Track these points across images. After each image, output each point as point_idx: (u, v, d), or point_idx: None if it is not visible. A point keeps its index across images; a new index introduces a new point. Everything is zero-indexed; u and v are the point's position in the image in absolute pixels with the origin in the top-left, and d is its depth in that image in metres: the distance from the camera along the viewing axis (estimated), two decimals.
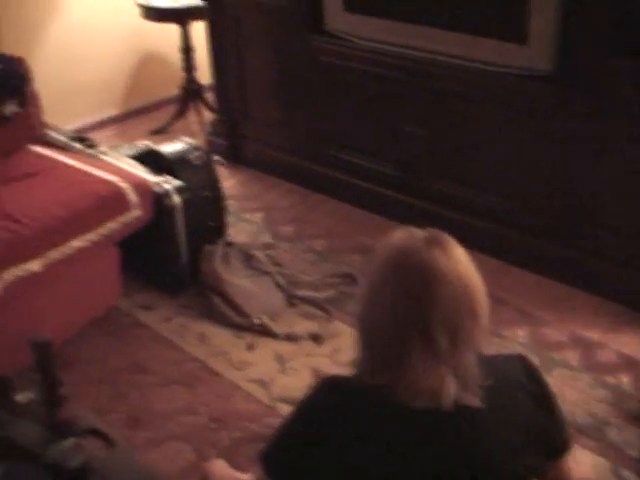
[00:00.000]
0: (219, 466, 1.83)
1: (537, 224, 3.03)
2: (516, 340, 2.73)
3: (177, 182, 2.93)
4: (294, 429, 1.39)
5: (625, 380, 2.56)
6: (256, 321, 2.82)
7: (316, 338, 2.78)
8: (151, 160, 3.08)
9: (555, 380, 2.52)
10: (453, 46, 3.00)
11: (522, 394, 1.34)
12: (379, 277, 1.31)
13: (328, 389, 1.38)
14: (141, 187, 2.80)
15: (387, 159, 3.42)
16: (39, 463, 1.62)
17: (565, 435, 1.43)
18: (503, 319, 2.84)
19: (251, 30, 3.71)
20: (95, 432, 1.77)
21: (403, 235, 1.33)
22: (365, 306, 1.34)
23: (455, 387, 1.24)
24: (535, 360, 2.51)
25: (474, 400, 1.26)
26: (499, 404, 1.29)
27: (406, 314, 1.26)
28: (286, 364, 2.66)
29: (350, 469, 1.29)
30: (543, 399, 1.38)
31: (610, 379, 2.57)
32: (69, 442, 1.66)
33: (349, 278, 3.09)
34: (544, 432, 1.35)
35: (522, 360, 1.42)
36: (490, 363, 1.33)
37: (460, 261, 1.29)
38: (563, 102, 2.79)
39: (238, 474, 1.76)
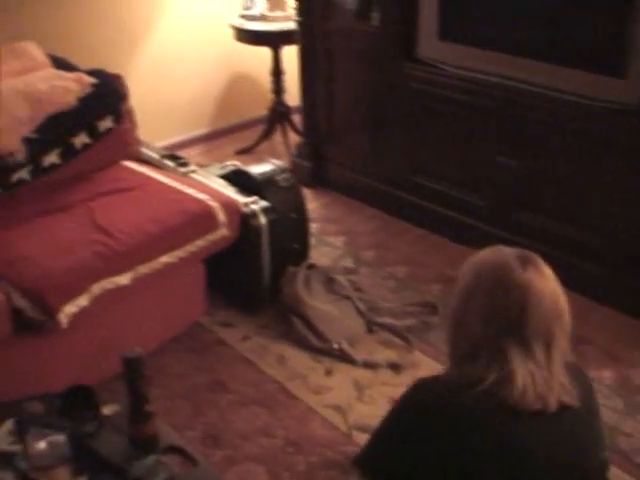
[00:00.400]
0: None
1: (627, 261, 2.94)
2: (602, 382, 2.65)
3: (264, 203, 2.97)
4: (396, 428, 1.46)
5: None
6: (335, 346, 2.81)
7: (395, 367, 2.75)
8: (239, 180, 3.13)
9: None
10: (546, 77, 2.96)
11: (594, 398, 1.52)
12: (476, 290, 1.45)
13: (428, 388, 1.45)
14: (230, 207, 2.84)
15: (475, 189, 3.38)
16: (123, 477, 1.66)
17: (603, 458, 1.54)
18: (588, 358, 2.77)
19: (342, 55, 3.74)
20: (177, 450, 1.79)
21: (496, 252, 1.47)
22: (462, 316, 1.47)
23: (558, 390, 1.39)
24: (619, 403, 2.52)
25: (573, 401, 1.40)
26: (587, 405, 1.45)
27: (505, 326, 1.40)
28: (364, 392, 2.64)
29: (455, 465, 1.37)
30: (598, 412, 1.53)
31: None
32: (153, 458, 1.69)
33: (430, 307, 3.06)
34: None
35: (583, 370, 1.58)
36: (569, 370, 1.46)
37: (551, 279, 1.44)
38: None
39: None
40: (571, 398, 1.40)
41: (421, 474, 1.40)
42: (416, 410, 1.42)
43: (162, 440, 1.78)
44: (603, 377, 2.68)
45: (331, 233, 3.68)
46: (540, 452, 1.37)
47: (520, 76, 3.05)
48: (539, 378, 1.37)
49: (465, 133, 3.34)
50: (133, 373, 1.69)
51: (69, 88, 2.92)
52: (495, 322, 1.41)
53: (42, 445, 1.56)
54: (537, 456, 1.36)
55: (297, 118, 4.52)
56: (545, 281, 1.42)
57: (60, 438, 1.56)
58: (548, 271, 1.45)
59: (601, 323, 2.97)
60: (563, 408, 1.39)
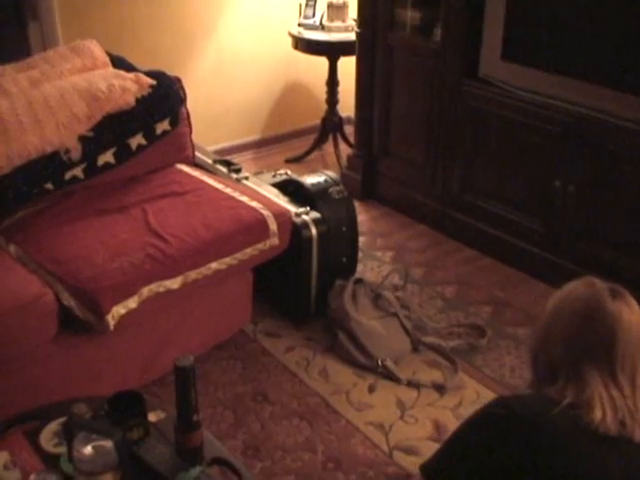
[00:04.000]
0: None
1: None
2: None
3: (316, 214, 2.95)
4: (470, 439, 1.47)
5: None
6: (379, 363, 2.78)
7: (439, 388, 2.71)
8: (291, 190, 3.12)
9: None
10: (610, 103, 2.90)
11: None
12: (563, 314, 1.49)
13: (509, 405, 1.45)
14: (281, 216, 2.83)
15: (532, 213, 3.32)
16: None
17: None
18: None
19: (402, 70, 3.72)
20: (222, 461, 1.78)
21: (587, 282, 1.51)
22: (546, 338, 1.52)
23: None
24: None
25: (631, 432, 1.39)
26: None
27: (591, 352, 1.44)
28: (406, 411, 2.61)
29: None
30: None
31: None
32: (198, 470, 1.67)
33: (478, 330, 3.02)
34: None
35: None
36: None
37: (637, 312, 1.47)
38: None
39: None
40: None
41: None
42: (496, 424, 1.43)
43: (207, 450, 1.77)
44: None
45: (379, 248, 3.65)
46: (608, 477, 1.37)
47: (583, 101, 2.99)
48: (622, 405, 1.39)
49: (522, 155, 3.29)
50: (184, 381, 1.68)
51: (128, 88, 2.93)
52: (579, 346, 1.45)
53: (89, 450, 1.55)
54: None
55: (349, 129, 4.51)
56: (633, 313, 1.46)
57: (107, 444, 1.55)
58: (637, 306, 1.49)
59: None
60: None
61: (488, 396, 2.65)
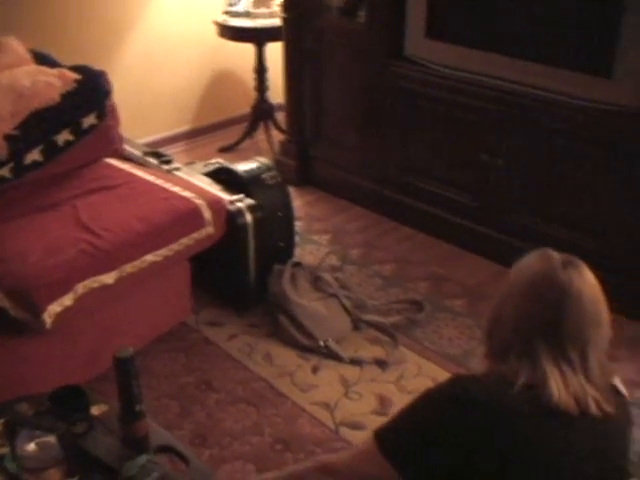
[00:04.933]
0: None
1: (617, 261, 2.96)
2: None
3: (250, 201, 2.95)
4: (424, 414, 1.43)
5: None
6: (322, 343, 2.82)
7: (381, 364, 2.76)
8: (224, 178, 3.12)
9: None
10: (535, 77, 2.98)
11: (627, 418, 1.49)
12: (514, 289, 1.46)
13: (466, 383, 1.43)
14: (215, 205, 2.83)
15: (464, 188, 3.40)
16: (115, 477, 1.64)
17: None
18: None
19: (330, 53, 3.74)
20: (169, 449, 1.78)
21: (540, 254, 1.47)
22: (498, 314, 1.48)
23: (595, 396, 1.37)
24: None
25: (609, 407, 1.38)
26: (622, 414, 1.44)
27: (540, 326, 1.40)
28: (350, 388, 2.65)
29: (482, 461, 1.35)
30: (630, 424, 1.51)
31: None
32: (145, 458, 1.68)
33: (416, 305, 3.07)
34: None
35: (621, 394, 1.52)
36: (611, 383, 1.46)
37: (592, 285, 1.43)
38: None
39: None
40: (610, 407, 1.38)
41: (438, 465, 1.39)
42: (453, 402, 1.40)
43: (153, 439, 1.77)
44: None
45: (316, 231, 3.68)
46: (571, 454, 1.37)
47: (508, 75, 3.07)
48: (573, 381, 1.37)
49: (453, 132, 3.35)
50: (125, 373, 1.68)
51: (52, 84, 2.89)
52: (529, 321, 1.42)
53: (32, 447, 1.54)
54: (568, 458, 1.36)
55: (280, 116, 4.52)
56: (585, 285, 1.41)
57: (50, 439, 1.54)
58: (590, 277, 1.44)
59: None
60: (600, 415, 1.37)
61: (429, 368, 2.72)
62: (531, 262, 1.47)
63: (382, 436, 1.46)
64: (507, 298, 1.47)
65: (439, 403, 1.42)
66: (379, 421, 2.43)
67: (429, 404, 1.44)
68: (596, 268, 2.97)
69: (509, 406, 1.37)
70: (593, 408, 1.36)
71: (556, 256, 1.45)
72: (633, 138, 2.78)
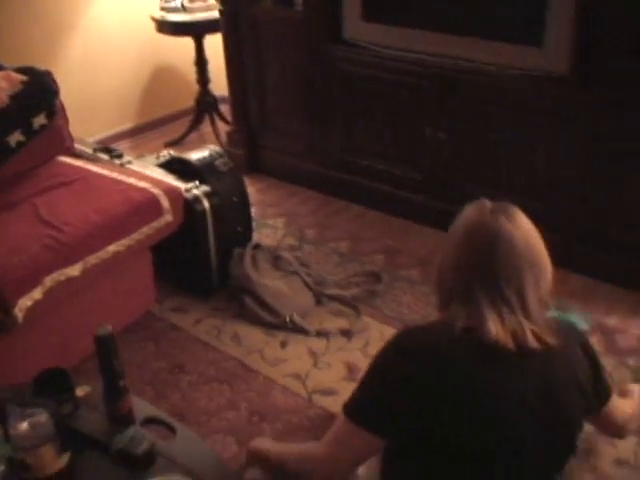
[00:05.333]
0: (266, 441, 1.85)
1: (558, 223, 3.11)
2: None
3: (206, 188, 3.02)
4: (377, 373, 1.50)
5: None
6: (287, 319, 2.90)
7: (346, 333, 2.86)
8: (177, 168, 3.17)
9: None
10: (470, 51, 3.10)
11: (578, 346, 1.56)
12: (451, 240, 1.53)
13: (409, 334, 1.52)
14: (172, 193, 2.88)
15: (409, 164, 3.51)
16: (106, 451, 1.70)
17: (609, 384, 1.67)
18: None
19: (269, 42, 3.81)
20: (155, 420, 1.85)
21: (477, 206, 1.56)
22: (440, 265, 1.56)
23: (535, 333, 1.43)
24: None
25: (551, 339, 1.44)
26: (567, 347, 1.50)
27: (475, 270, 1.47)
28: (319, 359, 2.74)
29: (432, 405, 1.42)
30: (591, 353, 1.59)
31: (630, 361, 2.67)
32: (132, 430, 1.74)
33: (374, 276, 3.18)
34: (594, 381, 1.57)
35: (573, 324, 1.67)
36: (553, 319, 1.54)
37: (521, 226, 1.49)
38: (580, 103, 2.88)
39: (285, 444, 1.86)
40: (549, 336, 1.43)
41: (401, 417, 1.45)
42: (395, 354, 1.47)
43: (138, 413, 1.83)
44: None
45: (271, 216, 3.76)
46: (513, 388, 1.42)
47: (445, 52, 3.18)
48: (511, 319, 1.42)
49: (395, 110, 3.46)
50: (105, 350, 1.73)
51: None
52: (465, 267, 1.48)
53: (24, 426, 1.59)
54: (510, 394, 1.42)
55: (225, 108, 4.58)
56: (515, 228, 1.47)
57: (42, 417, 1.58)
58: (522, 221, 1.51)
59: None
60: (541, 348, 1.42)
61: (391, 333, 2.78)
62: (466, 213, 1.56)
63: (350, 408, 1.51)
64: (446, 249, 1.55)
65: (389, 357, 1.49)
66: (349, 387, 2.54)
67: (381, 361, 1.50)
68: (539, 228, 3.14)
69: (450, 349, 1.43)
70: (532, 342, 1.41)
71: (488, 205, 1.54)
72: (565, 102, 2.93)
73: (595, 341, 2.74)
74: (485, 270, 1.46)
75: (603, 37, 2.73)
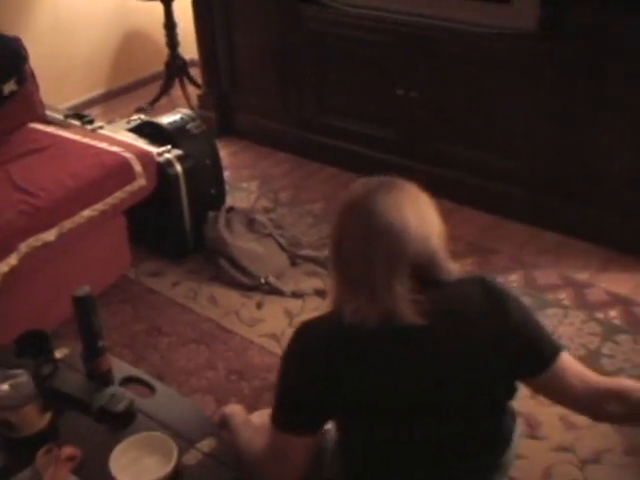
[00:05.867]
0: (235, 409, 1.86)
1: (531, 178, 3.17)
2: (510, 284, 2.87)
3: (178, 151, 3.03)
4: (284, 380, 1.49)
5: (613, 315, 2.73)
6: (263, 281, 2.94)
7: (321, 293, 2.90)
8: (148, 132, 3.16)
9: (550, 319, 2.68)
10: (440, 9, 3.12)
11: (478, 314, 1.45)
12: (334, 220, 1.47)
13: (302, 334, 1.49)
14: (144, 157, 2.89)
15: (383, 124, 3.53)
16: (87, 409, 1.74)
17: (545, 345, 1.50)
18: (497, 266, 3.01)
19: (239, 2, 3.78)
20: (134, 379, 1.88)
21: (357, 185, 1.46)
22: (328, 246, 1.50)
23: (404, 308, 1.37)
24: (528, 301, 2.65)
25: (419, 319, 1.38)
26: (449, 322, 1.43)
27: (351, 251, 1.41)
28: (295, 318, 2.79)
29: (335, 402, 1.44)
30: (503, 317, 1.45)
31: (600, 315, 2.73)
32: (112, 389, 1.78)
33: None
34: (515, 349, 1.45)
35: (482, 282, 1.49)
36: (448, 287, 1.46)
37: (395, 204, 1.39)
38: (549, 57, 2.92)
39: (252, 417, 1.85)
40: (418, 317, 1.38)
41: (322, 411, 1.48)
42: (294, 354, 1.48)
43: (117, 372, 1.87)
44: (512, 280, 2.92)
45: (244, 179, 3.77)
46: (404, 366, 1.42)
47: (414, 9, 3.19)
48: (382, 296, 1.38)
49: (365, 70, 3.47)
50: (84, 310, 1.76)
51: None
52: (344, 246, 1.42)
53: (5, 387, 1.62)
54: (404, 366, 1.42)
55: (195, 71, 4.56)
56: (386, 206, 1.39)
57: (23, 377, 1.62)
58: (399, 195, 1.42)
59: (509, 236, 3.21)
60: (409, 326, 1.39)
61: None
62: (346, 194, 1.46)
63: (275, 419, 1.50)
64: (332, 228, 1.48)
65: (290, 358, 1.49)
66: None
67: (284, 369, 1.49)
68: (514, 185, 3.19)
69: (343, 335, 1.41)
70: (412, 318, 1.37)
71: (368, 182, 1.45)
72: (535, 58, 2.96)
73: (565, 296, 2.83)
74: (359, 250, 1.40)
75: None
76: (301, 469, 1.52)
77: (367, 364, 1.42)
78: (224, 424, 1.78)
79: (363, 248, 1.39)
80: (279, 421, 1.49)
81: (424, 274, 1.42)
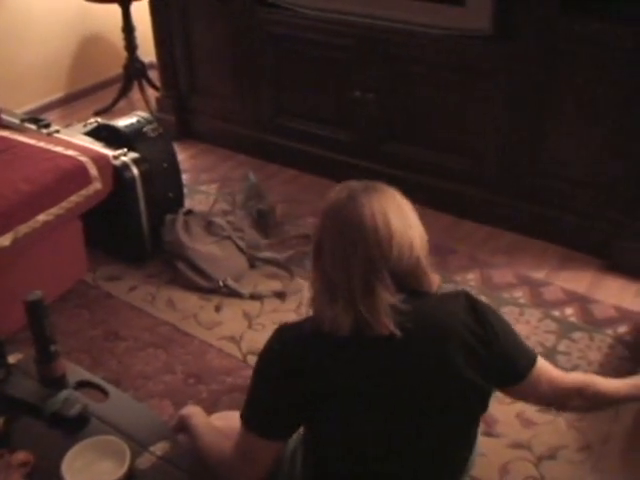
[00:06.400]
0: (194, 411, 1.83)
1: (487, 177, 3.21)
2: (467, 284, 2.91)
3: (135, 154, 3.01)
4: (259, 380, 1.49)
5: (569, 312, 2.78)
6: (221, 283, 2.93)
7: (280, 295, 2.91)
8: (105, 136, 3.15)
9: (506, 316, 2.69)
10: (395, 11, 3.14)
11: (460, 326, 1.44)
12: (317, 223, 1.46)
13: (281, 335, 1.48)
14: (100, 160, 2.87)
15: (340, 126, 3.56)
16: (40, 414, 1.73)
17: (522, 360, 1.54)
18: (454, 266, 3.04)
19: (196, 5, 3.78)
20: (87, 384, 1.87)
21: (339, 189, 1.44)
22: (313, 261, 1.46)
23: (382, 316, 1.36)
24: (484, 299, 2.67)
25: (394, 330, 1.37)
26: (428, 334, 1.42)
27: (333, 254, 1.39)
28: (253, 321, 2.79)
29: (304, 407, 1.43)
30: (483, 333, 1.45)
31: (556, 312, 2.77)
32: (65, 393, 1.76)
33: (307, 239, 3.22)
34: (494, 362, 1.46)
35: (465, 296, 1.50)
36: (430, 299, 1.46)
37: (380, 209, 1.38)
38: (502, 59, 2.97)
39: (212, 418, 1.84)
40: (393, 327, 1.37)
41: (291, 419, 1.48)
42: (272, 359, 1.47)
43: (71, 377, 1.86)
44: (469, 279, 2.96)
45: (203, 182, 3.76)
46: (382, 375, 1.41)
47: (369, 12, 3.22)
48: (359, 307, 1.36)
49: (322, 72, 3.49)
50: (36, 315, 1.75)
51: None
52: (323, 254, 1.41)
53: None
54: (376, 377, 1.41)
55: (153, 74, 4.54)
56: (368, 210, 1.37)
57: None
58: (380, 200, 1.40)
59: (466, 236, 3.25)
60: (384, 336, 1.38)
61: None
62: (331, 197, 1.44)
63: (246, 418, 1.50)
64: (315, 234, 1.47)
65: (264, 364, 1.48)
66: None
67: (259, 368, 1.49)
68: (470, 185, 3.24)
69: (307, 349, 1.41)
70: (385, 329, 1.36)
71: (351, 186, 1.43)
72: (489, 60, 3.00)
73: (521, 294, 2.87)
74: (347, 257, 1.37)
75: None
76: (267, 470, 1.53)
77: (340, 370, 1.41)
78: (182, 426, 1.76)
79: (346, 252, 1.37)
80: (251, 422, 1.49)
81: (405, 283, 1.41)
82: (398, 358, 1.40)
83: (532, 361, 1.55)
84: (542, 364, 1.57)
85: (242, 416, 1.51)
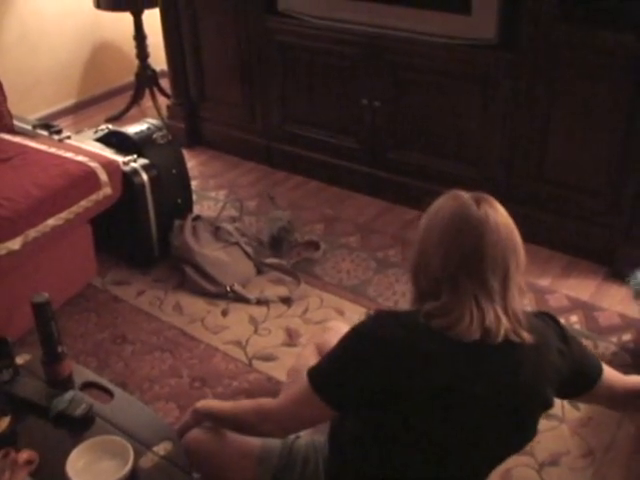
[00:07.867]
0: (212, 401, 1.88)
1: (491, 184, 3.21)
2: None
3: (144, 161, 3.05)
4: (347, 353, 1.50)
5: (574, 320, 2.79)
6: (228, 288, 2.96)
7: (286, 301, 2.93)
8: (115, 142, 3.19)
9: None
10: (401, 20, 3.17)
11: (556, 338, 1.54)
12: (435, 229, 1.48)
13: (384, 321, 1.50)
14: (110, 166, 2.91)
15: (347, 133, 3.59)
16: (46, 414, 1.76)
17: (593, 368, 1.63)
18: None
19: (206, 14, 3.83)
20: (93, 385, 1.90)
21: (453, 195, 1.51)
22: (422, 254, 1.50)
23: (510, 323, 1.43)
24: None
25: (526, 335, 1.44)
26: (540, 343, 1.48)
27: (462, 260, 1.44)
28: (260, 325, 2.81)
29: (395, 397, 1.43)
30: (569, 353, 1.55)
31: (561, 320, 2.77)
32: (71, 394, 1.79)
33: (314, 245, 3.25)
34: (572, 374, 1.55)
35: (552, 319, 1.60)
36: (527, 315, 1.50)
37: (505, 215, 1.48)
38: (507, 69, 2.99)
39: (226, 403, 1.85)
40: (523, 333, 1.43)
41: (357, 398, 1.49)
42: (369, 338, 1.46)
43: (77, 378, 1.89)
44: None
45: (212, 188, 3.80)
46: (481, 383, 1.43)
47: (377, 21, 3.25)
48: (490, 313, 1.42)
49: (329, 81, 3.53)
50: (43, 317, 1.78)
51: None
52: (452, 257, 1.44)
53: None
54: (478, 387, 1.43)
55: (165, 82, 4.59)
56: (500, 216, 1.46)
57: None
58: (501, 208, 1.50)
59: None
60: (514, 342, 1.43)
61: (330, 299, 2.92)
62: (444, 204, 1.50)
63: (314, 376, 1.51)
64: (427, 242, 1.49)
65: (358, 340, 1.49)
66: (289, 351, 2.65)
67: (351, 341, 1.50)
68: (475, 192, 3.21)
69: (419, 342, 1.42)
70: (504, 336, 1.41)
71: (466, 195, 1.49)
72: (495, 68, 3.02)
73: (527, 302, 2.87)
74: (473, 260, 1.43)
75: (529, 3, 2.82)
76: (303, 425, 1.63)
77: (450, 369, 1.42)
78: (197, 416, 1.78)
79: (479, 259, 1.42)
80: (318, 378, 1.51)
81: (517, 290, 1.47)
82: (511, 366, 1.44)
83: (600, 367, 1.64)
84: (607, 372, 1.65)
85: (310, 371, 1.53)
